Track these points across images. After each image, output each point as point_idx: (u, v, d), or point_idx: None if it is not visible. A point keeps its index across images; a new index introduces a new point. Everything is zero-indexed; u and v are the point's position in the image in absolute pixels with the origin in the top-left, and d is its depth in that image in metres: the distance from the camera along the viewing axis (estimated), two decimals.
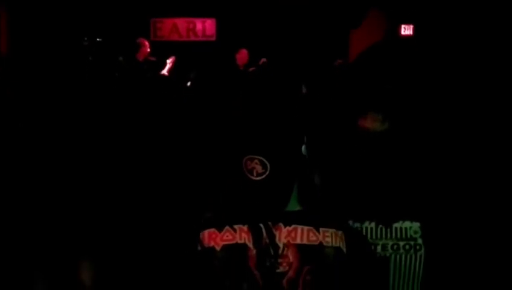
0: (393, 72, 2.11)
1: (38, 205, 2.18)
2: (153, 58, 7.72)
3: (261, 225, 1.49)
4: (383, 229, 1.89)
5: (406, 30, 9.35)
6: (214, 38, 10.90)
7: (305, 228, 1.51)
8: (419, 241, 1.88)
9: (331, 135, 2.01)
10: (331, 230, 1.54)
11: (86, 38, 9.52)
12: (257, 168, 1.48)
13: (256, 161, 1.48)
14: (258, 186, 1.48)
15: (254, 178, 1.49)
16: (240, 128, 1.52)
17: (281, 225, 1.51)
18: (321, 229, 1.53)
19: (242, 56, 7.76)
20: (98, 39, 9.87)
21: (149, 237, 2.69)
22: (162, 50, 8.50)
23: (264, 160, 1.49)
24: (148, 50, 7.61)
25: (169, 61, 7.36)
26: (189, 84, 5.59)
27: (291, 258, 1.48)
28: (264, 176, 1.48)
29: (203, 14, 10.83)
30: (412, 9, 9.05)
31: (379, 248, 1.87)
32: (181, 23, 11.02)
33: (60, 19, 9.27)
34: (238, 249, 1.45)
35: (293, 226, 1.51)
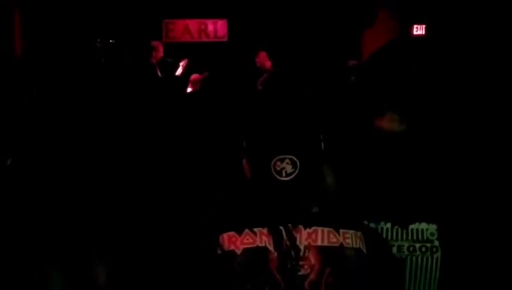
0: (407, 71, 2.12)
1: (49, 204, 2.19)
2: (170, 60, 7.73)
3: (281, 228, 1.50)
4: (399, 231, 1.89)
5: (418, 30, 9.32)
6: (225, 39, 10.92)
7: (325, 229, 1.52)
8: (436, 243, 1.88)
9: (348, 134, 2.02)
10: (351, 231, 1.55)
11: (98, 40, 9.56)
12: (287, 168, 1.49)
13: (287, 160, 1.49)
14: (287, 186, 1.50)
15: (283, 179, 1.50)
16: (265, 129, 1.54)
17: (301, 227, 1.52)
18: (341, 231, 1.54)
19: (261, 59, 7.65)
20: (110, 41, 9.92)
21: (161, 238, 2.71)
22: (174, 51, 8.54)
23: (295, 159, 1.50)
24: (162, 54, 7.62)
25: (181, 64, 7.36)
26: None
27: (312, 260, 1.49)
28: (293, 176, 1.50)
29: (214, 15, 10.86)
30: (424, 10, 9.02)
31: (394, 249, 1.87)
32: (193, 24, 11.05)
33: (73, 21, 9.32)
34: (259, 252, 1.46)
35: (313, 228, 1.52)
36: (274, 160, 1.51)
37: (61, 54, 8.20)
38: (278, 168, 1.52)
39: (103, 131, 4.04)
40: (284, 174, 1.52)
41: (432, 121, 2.09)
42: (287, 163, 1.52)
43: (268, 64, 7.48)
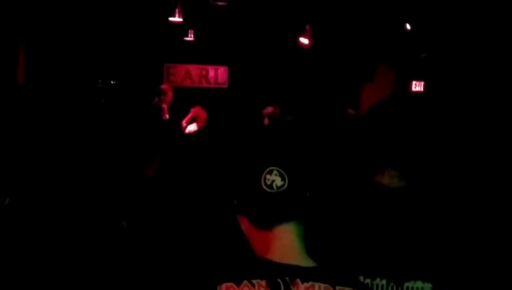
0: (407, 127, 2.14)
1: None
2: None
3: (279, 281, 1.50)
4: (394, 288, 1.90)
5: (417, 86, 9.46)
6: (225, 86, 11.06)
7: (322, 285, 1.53)
8: None
9: (346, 188, 2.04)
10: (347, 288, 1.55)
11: (100, 81, 9.68)
12: (276, 181, 1.51)
13: (275, 172, 1.51)
14: (276, 198, 1.51)
15: (273, 191, 1.52)
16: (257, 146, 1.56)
17: (299, 281, 1.52)
18: (337, 287, 1.54)
19: (268, 110, 7.70)
20: (112, 82, 10.04)
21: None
22: (174, 94, 8.63)
23: (283, 171, 1.52)
24: (171, 98, 7.68)
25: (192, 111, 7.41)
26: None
27: None
28: (283, 189, 1.51)
29: (215, 61, 11.04)
30: (422, 66, 9.18)
31: None
32: (194, 69, 11.22)
33: (77, 58, 9.43)
34: None
35: (310, 282, 1.52)
36: (264, 173, 1.54)
37: (62, 89, 8.27)
38: (268, 182, 1.54)
39: (101, 171, 4.06)
40: (274, 187, 1.54)
41: (430, 177, 2.11)
42: (276, 175, 1.54)
43: (277, 111, 7.55)
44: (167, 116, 7.57)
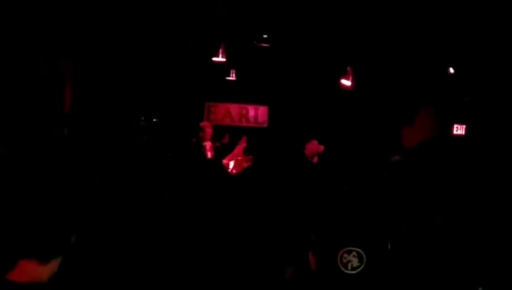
0: (450, 168, 2.15)
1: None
2: (218, 144, 7.84)
3: None
4: None
5: (459, 130, 9.38)
6: (265, 125, 11.15)
7: None
8: None
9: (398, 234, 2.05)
10: None
11: (143, 118, 9.85)
12: (353, 261, 1.51)
13: (353, 253, 1.52)
14: (351, 280, 1.51)
15: (348, 272, 1.52)
16: (335, 221, 1.57)
17: None
18: None
19: (312, 146, 7.75)
20: (154, 120, 10.21)
21: None
22: (215, 133, 8.73)
23: (362, 253, 1.52)
24: (210, 135, 7.68)
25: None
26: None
27: None
28: (358, 270, 1.52)
29: (255, 101, 11.16)
30: (465, 110, 9.12)
31: None
32: (234, 108, 11.35)
33: (122, 95, 9.64)
34: None
35: None
36: (341, 252, 1.54)
37: (106, 124, 8.45)
38: (345, 261, 1.54)
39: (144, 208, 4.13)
40: (349, 267, 1.55)
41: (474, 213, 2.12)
42: (354, 256, 1.54)
43: (320, 149, 7.56)
44: (209, 154, 7.57)
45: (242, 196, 3.68)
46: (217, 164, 6.64)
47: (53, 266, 1.64)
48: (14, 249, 1.60)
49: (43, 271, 1.61)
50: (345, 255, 1.55)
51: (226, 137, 8.41)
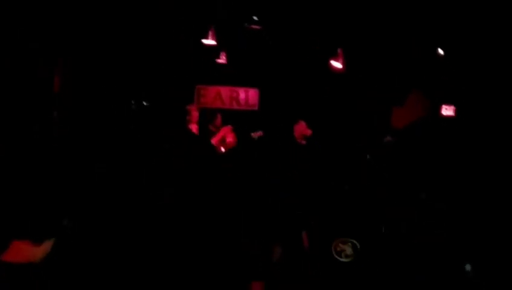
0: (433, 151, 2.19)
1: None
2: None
3: None
4: None
5: (447, 110, 9.44)
6: (256, 108, 11.13)
7: None
8: None
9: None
10: None
11: (133, 102, 9.82)
12: (347, 250, 1.56)
13: (348, 243, 1.56)
14: (344, 267, 1.56)
15: (342, 259, 1.57)
16: (329, 212, 1.61)
17: None
18: None
19: (300, 128, 7.75)
20: (144, 103, 10.18)
21: None
22: (204, 116, 8.73)
23: (356, 244, 1.57)
24: (196, 119, 7.66)
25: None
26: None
27: None
28: (351, 258, 1.56)
29: (246, 83, 11.14)
30: (453, 91, 9.17)
31: None
32: (225, 91, 11.31)
33: (112, 77, 9.61)
34: None
35: None
36: (336, 241, 1.59)
37: (96, 105, 8.42)
38: (338, 249, 1.59)
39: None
40: (343, 256, 1.59)
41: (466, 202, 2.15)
42: (348, 246, 1.59)
43: (308, 132, 7.56)
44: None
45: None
46: (205, 144, 6.65)
47: (46, 247, 1.67)
48: (8, 230, 1.63)
49: (37, 252, 1.64)
50: (340, 244, 1.60)
51: (218, 118, 8.36)
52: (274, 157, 6.00)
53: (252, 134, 7.47)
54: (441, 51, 8.44)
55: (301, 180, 4.51)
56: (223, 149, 6.75)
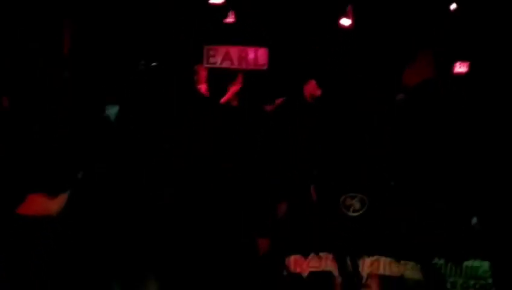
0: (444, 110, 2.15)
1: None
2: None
3: (346, 254, 1.54)
4: (453, 267, 1.92)
5: (461, 67, 9.31)
6: (265, 68, 11.04)
7: (387, 259, 1.56)
8: (490, 280, 1.90)
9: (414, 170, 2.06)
10: (411, 263, 1.58)
11: (142, 62, 9.74)
12: (355, 205, 1.55)
13: (357, 198, 1.55)
14: (353, 221, 1.56)
15: (351, 214, 1.56)
16: (337, 166, 1.59)
17: (364, 255, 1.56)
18: (402, 262, 1.57)
19: (310, 87, 7.63)
20: (153, 63, 10.10)
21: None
22: (214, 76, 8.66)
23: (364, 198, 1.56)
24: (204, 79, 7.56)
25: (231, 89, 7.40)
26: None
27: (373, 288, 1.52)
28: (360, 212, 1.56)
29: (255, 43, 11.02)
30: (467, 47, 9.03)
31: (448, 285, 1.90)
32: (233, 51, 11.21)
33: (118, 37, 9.54)
34: (325, 276, 1.50)
35: (375, 257, 1.56)
36: (344, 196, 1.58)
37: (104, 67, 8.38)
38: (347, 204, 1.58)
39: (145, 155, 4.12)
40: (351, 210, 1.59)
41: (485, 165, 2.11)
42: (356, 201, 1.58)
43: (318, 92, 7.45)
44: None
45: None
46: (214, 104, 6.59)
47: (61, 199, 1.67)
48: (24, 184, 1.62)
49: (52, 205, 1.64)
50: (348, 199, 1.59)
51: (239, 77, 8.20)
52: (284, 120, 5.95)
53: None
54: (454, 5, 8.28)
55: (309, 137, 4.45)
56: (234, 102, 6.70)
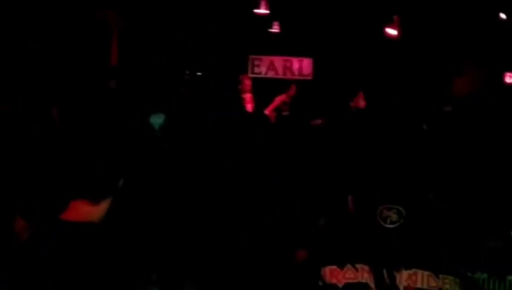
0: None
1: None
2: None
3: (383, 266, 1.53)
4: (496, 282, 1.88)
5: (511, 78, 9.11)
6: (310, 77, 11.04)
7: (425, 273, 1.54)
8: None
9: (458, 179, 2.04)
10: (450, 277, 1.55)
11: (187, 72, 9.87)
12: (392, 217, 1.54)
13: (393, 210, 1.54)
14: (389, 233, 1.54)
15: (387, 225, 1.55)
16: (375, 177, 1.59)
17: (402, 267, 1.54)
18: (440, 276, 1.55)
19: (358, 98, 7.58)
20: (198, 73, 10.23)
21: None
22: (258, 86, 8.70)
23: (402, 209, 1.55)
24: (248, 88, 7.61)
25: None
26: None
27: None
28: (397, 224, 1.54)
29: (300, 53, 11.04)
30: None
31: None
32: (278, 61, 11.26)
33: (165, 48, 9.68)
34: (360, 287, 1.49)
35: (413, 270, 1.54)
36: (381, 207, 1.57)
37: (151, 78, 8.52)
38: (384, 215, 1.57)
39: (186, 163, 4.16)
40: (388, 222, 1.57)
41: None
42: (393, 212, 1.57)
43: (362, 104, 7.41)
44: (249, 106, 7.50)
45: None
46: (259, 115, 6.62)
47: (103, 206, 1.70)
48: (67, 191, 1.67)
49: (95, 211, 1.68)
50: (385, 211, 1.58)
51: (292, 88, 8.22)
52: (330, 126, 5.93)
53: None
54: (503, 15, 8.10)
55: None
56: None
